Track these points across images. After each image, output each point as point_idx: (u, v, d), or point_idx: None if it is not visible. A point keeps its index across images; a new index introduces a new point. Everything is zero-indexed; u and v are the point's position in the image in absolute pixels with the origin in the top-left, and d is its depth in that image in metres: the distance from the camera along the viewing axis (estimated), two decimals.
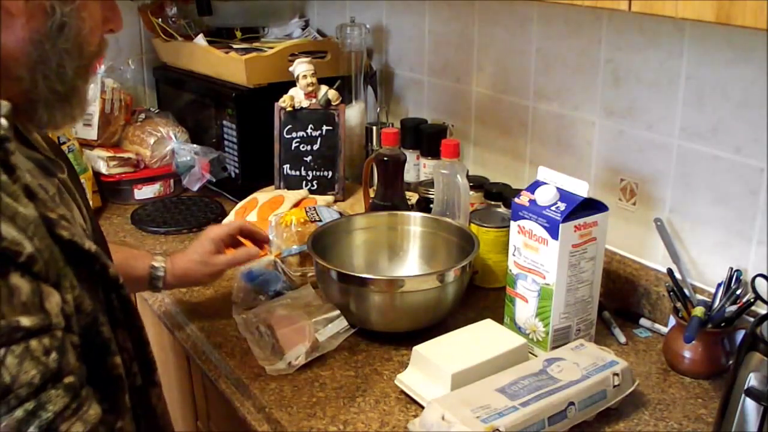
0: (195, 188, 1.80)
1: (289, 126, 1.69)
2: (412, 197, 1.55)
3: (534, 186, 1.16)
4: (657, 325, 1.26)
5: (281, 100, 1.68)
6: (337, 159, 1.70)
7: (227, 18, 1.98)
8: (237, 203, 1.70)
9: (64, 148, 1.67)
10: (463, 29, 1.63)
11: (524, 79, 1.50)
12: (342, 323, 1.21)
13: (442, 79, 1.73)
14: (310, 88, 1.66)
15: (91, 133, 1.83)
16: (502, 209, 1.43)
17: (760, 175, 1.13)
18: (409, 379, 1.09)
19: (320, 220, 1.41)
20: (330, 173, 1.71)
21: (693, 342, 1.11)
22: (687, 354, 1.14)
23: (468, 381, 1.02)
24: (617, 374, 1.04)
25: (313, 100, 1.67)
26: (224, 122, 1.78)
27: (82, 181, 1.46)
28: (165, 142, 1.84)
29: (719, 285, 1.16)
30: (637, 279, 1.31)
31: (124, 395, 0.78)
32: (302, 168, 1.71)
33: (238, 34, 1.95)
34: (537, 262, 1.14)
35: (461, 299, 1.25)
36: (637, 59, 1.27)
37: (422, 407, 1.03)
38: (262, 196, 1.67)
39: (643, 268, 1.31)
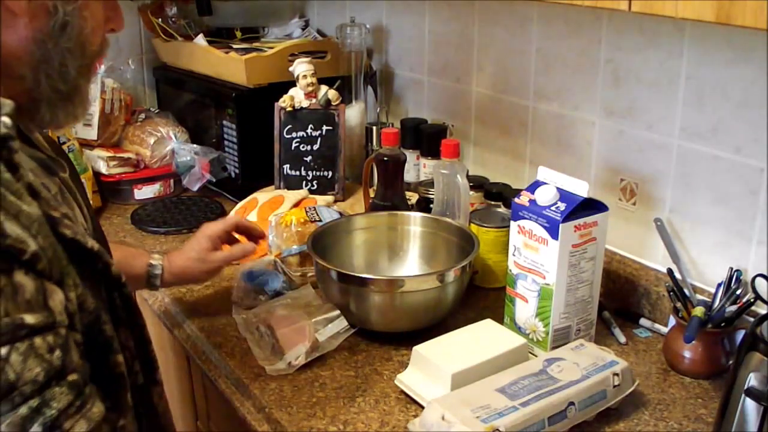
0: (195, 188, 1.80)
1: (289, 126, 1.69)
2: (412, 197, 1.55)
3: (534, 186, 1.16)
4: (657, 325, 1.27)
5: (281, 100, 1.68)
6: (337, 159, 1.70)
7: (227, 18, 1.98)
8: (237, 203, 1.70)
9: (64, 148, 1.67)
10: (463, 29, 1.63)
11: (524, 79, 1.50)
12: (342, 323, 1.21)
13: (442, 79, 1.73)
14: (310, 88, 1.67)
15: (91, 133, 1.83)
16: (502, 209, 1.44)
17: (760, 175, 1.13)
18: (409, 379, 1.09)
19: (320, 220, 1.41)
20: (330, 173, 1.71)
21: (693, 342, 1.11)
22: (687, 354, 1.14)
23: (468, 381, 1.02)
24: (617, 374, 1.04)
25: (313, 100, 1.67)
26: (224, 122, 1.78)
27: (83, 180, 1.46)
28: (165, 142, 1.84)
29: (719, 285, 1.16)
30: (637, 279, 1.31)
31: (126, 394, 0.79)
32: (302, 168, 1.71)
33: (238, 34, 1.95)
34: (537, 262, 1.14)
35: (461, 299, 1.25)
36: (637, 59, 1.27)
37: (422, 407, 1.03)
38: (262, 196, 1.67)
39: (643, 268, 1.31)
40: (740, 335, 1.10)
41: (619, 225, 1.33)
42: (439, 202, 1.41)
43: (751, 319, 0.98)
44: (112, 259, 0.80)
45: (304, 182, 1.71)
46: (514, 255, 1.18)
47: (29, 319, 0.64)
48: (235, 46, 1.84)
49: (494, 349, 1.09)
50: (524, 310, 1.18)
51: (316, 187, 1.71)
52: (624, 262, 1.34)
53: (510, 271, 1.20)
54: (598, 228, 1.13)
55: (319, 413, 1.05)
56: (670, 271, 1.21)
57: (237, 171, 1.79)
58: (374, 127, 1.79)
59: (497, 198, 1.46)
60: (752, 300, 1.10)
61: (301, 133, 1.69)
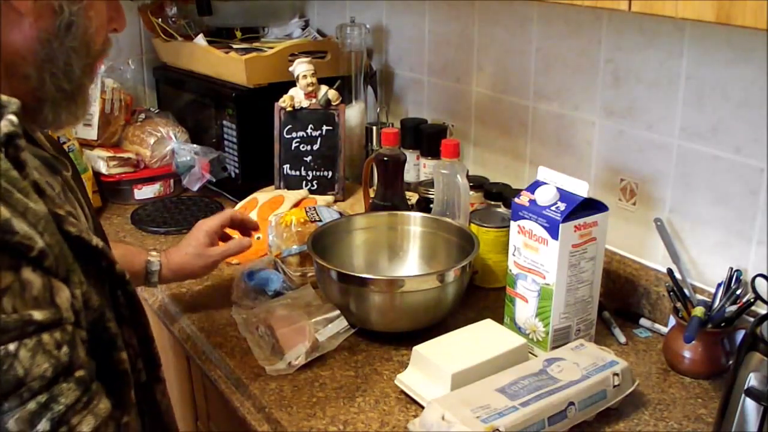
0: (195, 188, 1.80)
1: (289, 126, 1.69)
2: (412, 197, 1.55)
3: (534, 186, 1.16)
4: (657, 325, 1.27)
5: (281, 100, 1.68)
6: (337, 159, 1.70)
7: (227, 18, 1.98)
8: (237, 203, 1.70)
9: (64, 147, 1.67)
10: (463, 29, 1.63)
11: (524, 79, 1.50)
12: (342, 323, 1.21)
13: (442, 79, 1.73)
14: (310, 88, 1.67)
15: (91, 133, 1.83)
16: (502, 209, 1.44)
17: (760, 175, 1.13)
18: (409, 379, 1.09)
19: (320, 220, 1.41)
20: (330, 173, 1.71)
21: (693, 342, 1.11)
22: (687, 354, 1.14)
23: (468, 381, 1.02)
24: (617, 374, 1.04)
25: (313, 100, 1.67)
26: (224, 122, 1.78)
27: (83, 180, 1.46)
28: (165, 142, 1.84)
29: (719, 285, 1.16)
30: (637, 279, 1.31)
31: (129, 391, 0.79)
32: (302, 168, 1.71)
33: (238, 34, 1.95)
34: (537, 262, 1.14)
35: (461, 299, 1.25)
36: (637, 59, 1.27)
37: (422, 407, 1.04)
38: (262, 196, 1.67)
39: (643, 268, 1.31)
40: (740, 335, 1.10)
41: (619, 225, 1.33)
42: (439, 202, 1.41)
43: (751, 319, 0.98)
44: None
45: (304, 182, 1.71)
46: (514, 255, 1.18)
47: (37, 315, 0.65)
48: (235, 46, 1.84)
49: (494, 349, 1.09)
50: (524, 310, 1.18)
51: (316, 187, 1.71)
52: (624, 262, 1.34)
53: (510, 271, 1.20)
54: (598, 228, 1.13)
55: (319, 413, 1.05)
56: (670, 271, 1.21)
57: (237, 171, 1.79)
58: (374, 127, 1.79)
59: (497, 198, 1.46)
60: (752, 300, 1.10)
61: (301, 133, 1.69)
